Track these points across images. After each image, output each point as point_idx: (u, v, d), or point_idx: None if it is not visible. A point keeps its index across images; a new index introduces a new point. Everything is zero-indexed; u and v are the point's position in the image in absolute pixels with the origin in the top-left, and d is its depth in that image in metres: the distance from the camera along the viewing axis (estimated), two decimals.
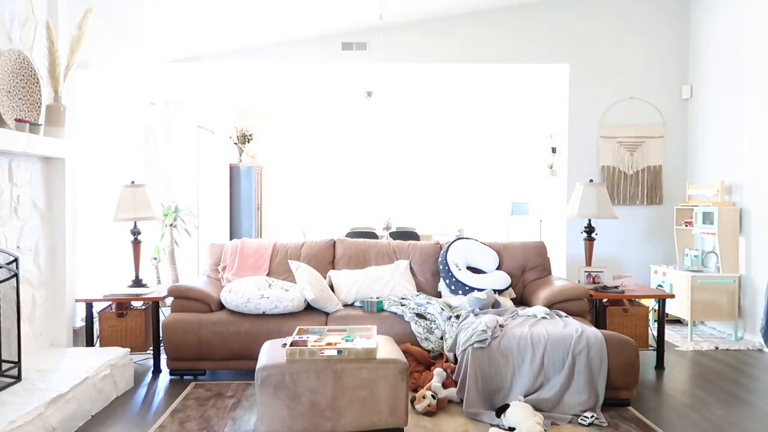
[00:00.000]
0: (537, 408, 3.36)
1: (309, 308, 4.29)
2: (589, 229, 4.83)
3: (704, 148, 6.02)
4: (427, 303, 4.27)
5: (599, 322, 4.50)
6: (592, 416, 3.32)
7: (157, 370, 4.27)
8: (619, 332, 4.03)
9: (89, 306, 4.27)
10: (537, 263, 4.82)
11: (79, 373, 3.40)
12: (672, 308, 5.48)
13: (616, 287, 4.56)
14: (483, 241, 4.93)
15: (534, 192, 8.60)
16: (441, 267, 4.72)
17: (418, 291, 4.67)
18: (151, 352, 4.39)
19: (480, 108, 9.82)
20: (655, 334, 4.55)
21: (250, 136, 9.30)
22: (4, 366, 3.20)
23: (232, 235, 8.98)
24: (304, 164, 10.14)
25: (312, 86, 8.21)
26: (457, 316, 4.06)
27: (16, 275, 3.28)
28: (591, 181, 5.01)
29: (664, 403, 3.69)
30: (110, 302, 4.38)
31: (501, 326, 3.70)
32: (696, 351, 4.93)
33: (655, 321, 4.96)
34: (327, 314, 4.25)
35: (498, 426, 3.21)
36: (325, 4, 5.56)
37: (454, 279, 4.59)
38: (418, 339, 4.00)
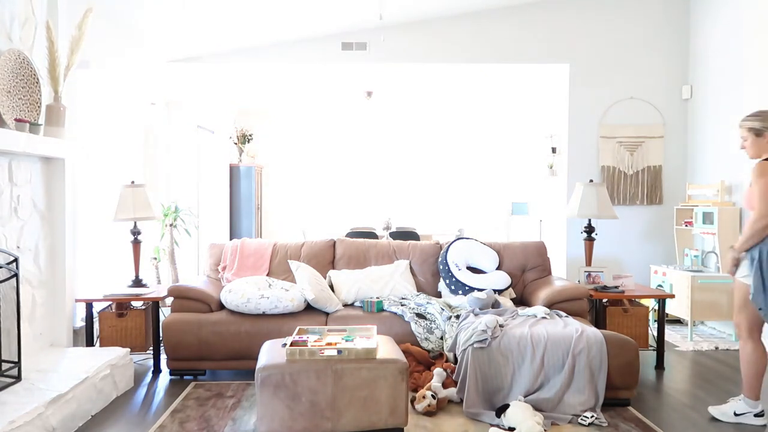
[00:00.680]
0: (537, 408, 3.36)
1: (309, 308, 4.29)
2: (589, 229, 4.83)
3: (704, 148, 6.02)
4: (427, 303, 4.27)
5: (599, 322, 4.50)
6: (592, 416, 3.32)
7: (157, 370, 4.27)
8: (619, 332, 4.03)
9: (89, 306, 4.27)
10: (537, 263, 4.82)
11: (79, 373, 3.40)
12: (672, 308, 5.48)
13: (616, 287, 4.56)
14: (483, 241, 4.93)
15: (534, 192, 8.60)
16: (441, 267, 4.72)
17: (418, 291, 4.67)
18: (151, 352, 4.39)
19: (480, 108, 9.82)
20: (655, 334, 4.55)
21: (250, 136, 9.30)
22: (4, 366, 3.20)
23: (232, 235, 8.98)
24: (304, 164, 10.14)
25: (312, 86, 8.21)
26: (457, 316, 4.06)
27: (16, 275, 3.28)
28: (591, 181, 5.01)
29: (664, 403, 3.69)
30: (110, 302, 4.38)
31: (501, 326, 3.70)
32: (696, 351, 4.93)
33: (655, 321, 4.96)
34: (327, 314, 4.25)
35: (498, 426, 3.21)
36: (325, 4, 5.56)
37: (454, 279, 4.59)
38: (418, 339, 4.00)
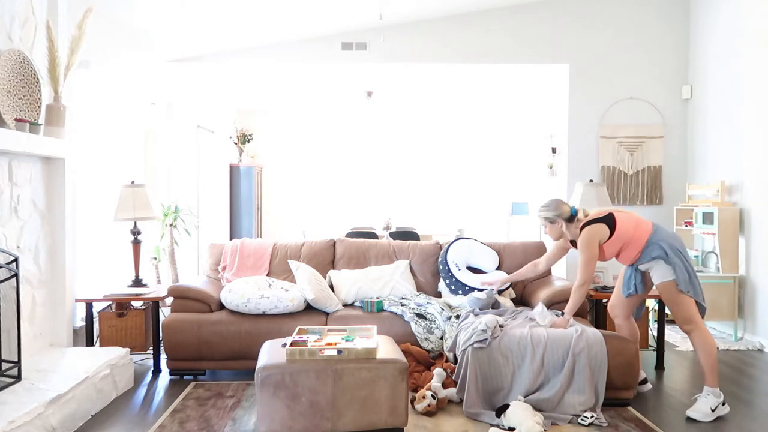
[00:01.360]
0: (537, 408, 3.36)
1: (309, 308, 4.29)
2: None
3: (704, 148, 6.02)
4: (427, 303, 4.27)
5: (599, 322, 4.50)
6: (592, 416, 3.32)
7: (157, 370, 4.27)
8: (619, 332, 4.02)
9: (89, 306, 4.27)
10: None
11: (79, 373, 3.40)
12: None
13: None
14: (483, 241, 4.93)
15: (534, 192, 8.60)
16: (441, 267, 4.72)
17: (418, 291, 4.67)
18: (151, 352, 4.39)
19: (480, 108, 9.83)
20: (655, 334, 4.55)
21: (250, 136, 9.30)
22: (4, 366, 3.20)
23: (232, 235, 8.98)
24: (304, 164, 10.14)
25: (312, 86, 8.21)
26: (457, 316, 4.06)
27: (16, 275, 3.28)
28: (591, 181, 5.01)
29: (664, 403, 3.69)
30: (110, 302, 4.39)
31: (501, 326, 3.70)
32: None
33: (655, 321, 4.96)
34: (327, 314, 4.25)
35: (498, 426, 3.21)
36: (325, 4, 5.56)
37: (454, 279, 4.59)
38: (418, 339, 4.00)
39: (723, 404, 3.44)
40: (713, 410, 3.40)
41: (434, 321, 4.10)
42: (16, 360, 3.24)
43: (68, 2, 4.07)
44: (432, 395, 3.43)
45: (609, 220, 3.55)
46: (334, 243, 4.97)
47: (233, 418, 3.37)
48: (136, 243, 4.65)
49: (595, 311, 4.54)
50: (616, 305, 3.84)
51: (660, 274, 3.48)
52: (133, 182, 4.63)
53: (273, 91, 8.48)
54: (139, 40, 5.65)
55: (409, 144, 10.11)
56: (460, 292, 4.52)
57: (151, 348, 4.40)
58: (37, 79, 3.63)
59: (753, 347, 4.99)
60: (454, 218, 10.01)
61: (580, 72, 6.29)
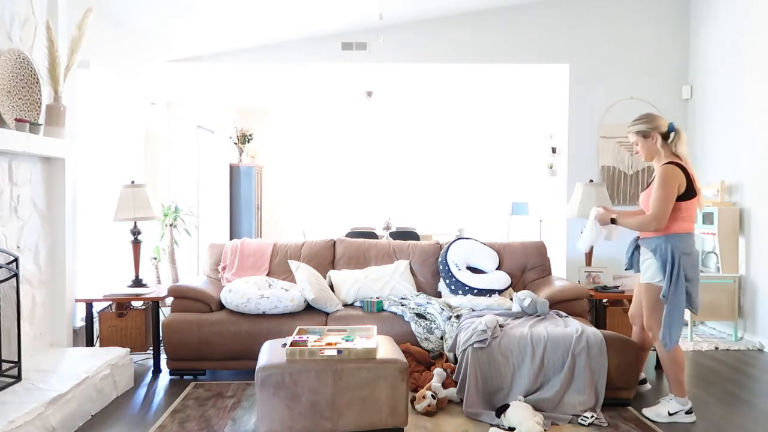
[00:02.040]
0: (537, 408, 3.36)
1: (309, 308, 4.29)
2: None
3: (704, 148, 6.02)
4: (427, 303, 4.27)
5: (599, 322, 4.50)
6: (592, 416, 3.32)
7: (157, 370, 4.27)
8: (619, 332, 4.03)
9: (89, 306, 4.27)
10: (537, 263, 4.82)
11: (79, 373, 3.40)
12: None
13: (616, 287, 4.56)
14: (483, 241, 4.93)
15: (534, 192, 8.60)
16: (441, 267, 4.72)
17: (418, 291, 4.67)
18: (151, 352, 4.39)
19: (480, 108, 9.83)
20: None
21: (250, 136, 9.30)
22: (4, 366, 3.20)
23: (232, 235, 8.98)
24: (304, 164, 10.14)
25: (312, 86, 8.21)
26: (458, 316, 4.06)
27: (16, 275, 3.28)
28: (591, 181, 5.01)
29: None
30: (110, 302, 4.39)
31: (501, 326, 3.70)
32: (696, 351, 4.93)
33: None
34: (327, 314, 4.25)
35: (498, 426, 3.21)
36: (325, 4, 5.56)
37: (454, 279, 4.59)
38: (418, 339, 4.00)
39: (689, 413, 3.37)
40: (671, 414, 3.36)
41: (434, 321, 4.10)
42: (16, 360, 3.24)
43: (68, 2, 4.07)
44: (432, 395, 3.43)
45: (691, 186, 3.27)
46: (334, 243, 4.97)
47: (233, 418, 3.37)
48: (136, 243, 4.65)
49: (595, 311, 4.54)
50: (635, 314, 3.73)
51: (651, 274, 3.38)
52: (133, 182, 4.63)
53: (273, 91, 8.48)
54: (138, 40, 5.64)
55: (409, 144, 10.11)
56: (460, 292, 4.53)
57: (151, 348, 4.39)
58: (37, 79, 3.63)
59: (753, 347, 4.99)
60: (454, 218, 10.01)
61: (580, 72, 6.29)
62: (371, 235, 7.41)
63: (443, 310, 4.15)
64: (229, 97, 8.89)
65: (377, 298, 4.44)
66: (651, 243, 3.37)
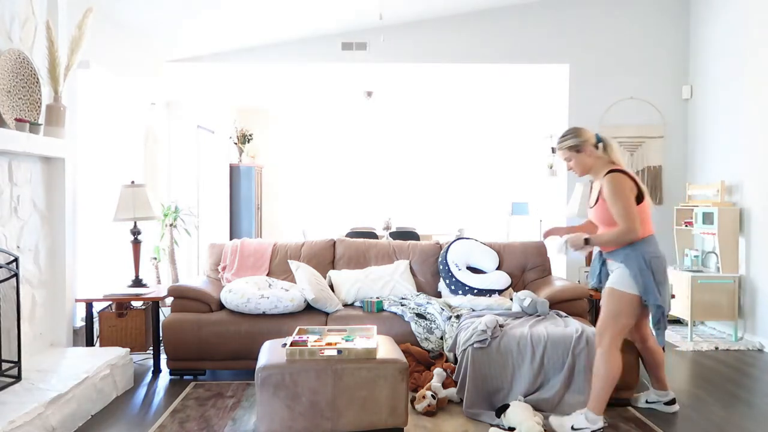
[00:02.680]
0: (537, 408, 3.36)
1: (309, 308, 4.29)
2: None
3: (704, 148, 6.02)
4: (427, 303, 4.27)
5: None
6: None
7: (157, 370, 4.27)
8: None
9: (89, 306, 4.26)
10: (537, 263, 4.82)
11: (79, 373, 3.40)
12: (672, 308, 5.47)
13: None
14: (483, 241, 4.93)
15: (534, 192, 8.59)
16: (441, 267, 4.72)
17: (418, 291, 4.67)
18: (151, 352, 4.39)
19: (480, 108, 9.82)
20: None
21: (250, 136, 9.30)
22: (4, 366, 3.20)
23: (232, 235, 8.98)
24: (304, 164, 10.14)
25: (312, 86, 8.21)
26: (458, 316, 4.06)
27: (16, 275, 3.28)
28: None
29: None
30: (110, 302, 4.39)
31: (501, 326, 3.70)
32: (696, 351, 4.93)
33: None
34: (327, 314, 4.25)
35: (498, 426, 3.20)
36: (325, 4, 5.56)
37: (454, 279, 4.59)
38: (418, 339, 4.00)
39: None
40: (574, 429, 3.11)
41: (434, 321, 4.10)
42: (16, 360, 3.24)
43: (68, 2, 4.07)
44: (432, 395, 3.43)
45: (638, 189, 3.15)
46: (334, 243, 4.97)
47: (233, 418, 3.37)
48: (136, 243, 4.65)
49: (595, 311, 4.54)
50: (630, 331, 3.49)
51: (617, 279, 3.20)
52: (133, 182, 4.63)
53: (273, 91, 8.48)
54: (139, 40, 5.65)
55: (409, 144, 10.10)
56: (460, 292, 4.53)
57: (151, 348, 4.39)
58: (37, 79, 3.63)
59: (753, 347, 4.99)
60: (454, 218, 10.00)
61: (580, 72, 6.29)
62: (371, 235, 7.41)
63: (443, 310, 4.15)
64: (229, 97, 8.89)
65: (377, 298, 4.44)
66: (618, 255, 3.20)
